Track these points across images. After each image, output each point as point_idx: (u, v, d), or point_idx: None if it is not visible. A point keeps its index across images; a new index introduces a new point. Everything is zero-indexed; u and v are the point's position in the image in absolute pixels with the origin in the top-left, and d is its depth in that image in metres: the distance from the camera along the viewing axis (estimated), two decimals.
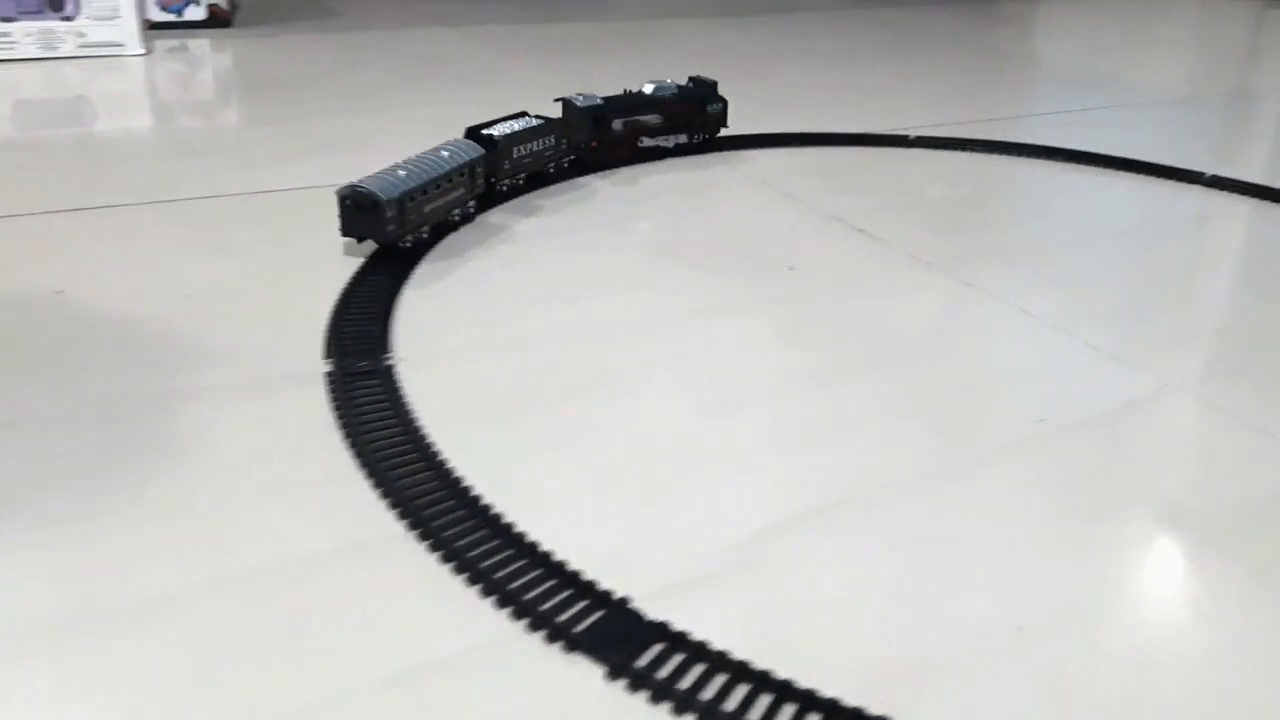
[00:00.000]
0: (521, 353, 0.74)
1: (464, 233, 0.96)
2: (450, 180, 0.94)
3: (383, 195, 0.85)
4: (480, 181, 0.99)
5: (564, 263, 0.90)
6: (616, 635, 0.48)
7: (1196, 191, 1.20)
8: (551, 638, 0.47)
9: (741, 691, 0.45)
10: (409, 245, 0.89)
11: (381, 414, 0.63)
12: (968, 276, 0.91)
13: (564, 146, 1.11)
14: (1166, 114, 1.57)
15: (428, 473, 0.58)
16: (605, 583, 0.51)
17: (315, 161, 1.12)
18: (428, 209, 0.91)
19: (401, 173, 0.88)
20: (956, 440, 0.67)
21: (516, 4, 2.18)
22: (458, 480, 0.57)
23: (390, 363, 0.70)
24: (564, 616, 0.48)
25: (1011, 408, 0.71)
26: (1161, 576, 0.55)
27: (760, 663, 0.47)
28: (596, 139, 1.13)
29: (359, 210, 0.86)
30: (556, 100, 1.16)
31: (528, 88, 1.49)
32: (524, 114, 1.08)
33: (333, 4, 2.04)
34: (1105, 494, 0.62)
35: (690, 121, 1.21)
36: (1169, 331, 0.84)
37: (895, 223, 1.03)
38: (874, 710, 0.44)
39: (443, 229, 0.95)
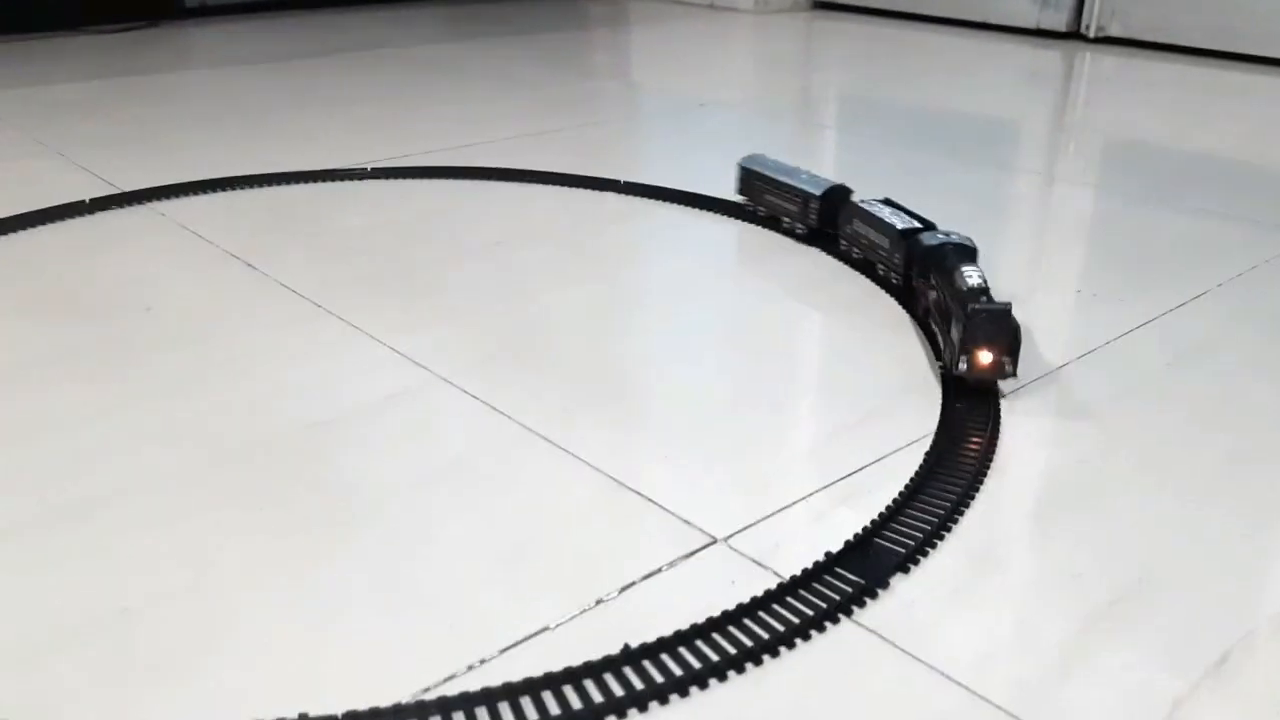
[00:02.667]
0: None
1: None
2: (788, 193, 1.19)
3: (741, 162, 1.26)
4: (814, 220, 1.17)
5: None
6: None
7: (610, 197, 1.35)
8: None
9: None
10: (750, 209, 1.27)
11: None
12: (322, 297, 1.00)
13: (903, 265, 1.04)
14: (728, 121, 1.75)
15: None
16: None
17: None
18: (766, 197, 1.23)
19: (769, 163, 1.24)
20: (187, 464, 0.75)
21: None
22: None
23: None
24: None
25: (277, 409, 0.80)
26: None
27: None
28: (904, 274, 1.04)
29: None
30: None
31: None
32: (952, 238, 0.99)
33: None
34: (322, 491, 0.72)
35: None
36: (463, 332, 0.96)
37: (288, 254, 1.11)
38: None
39: (777, 223, 1.23)
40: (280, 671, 0.55)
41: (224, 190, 1.32)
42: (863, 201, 1.12)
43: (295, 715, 0.51)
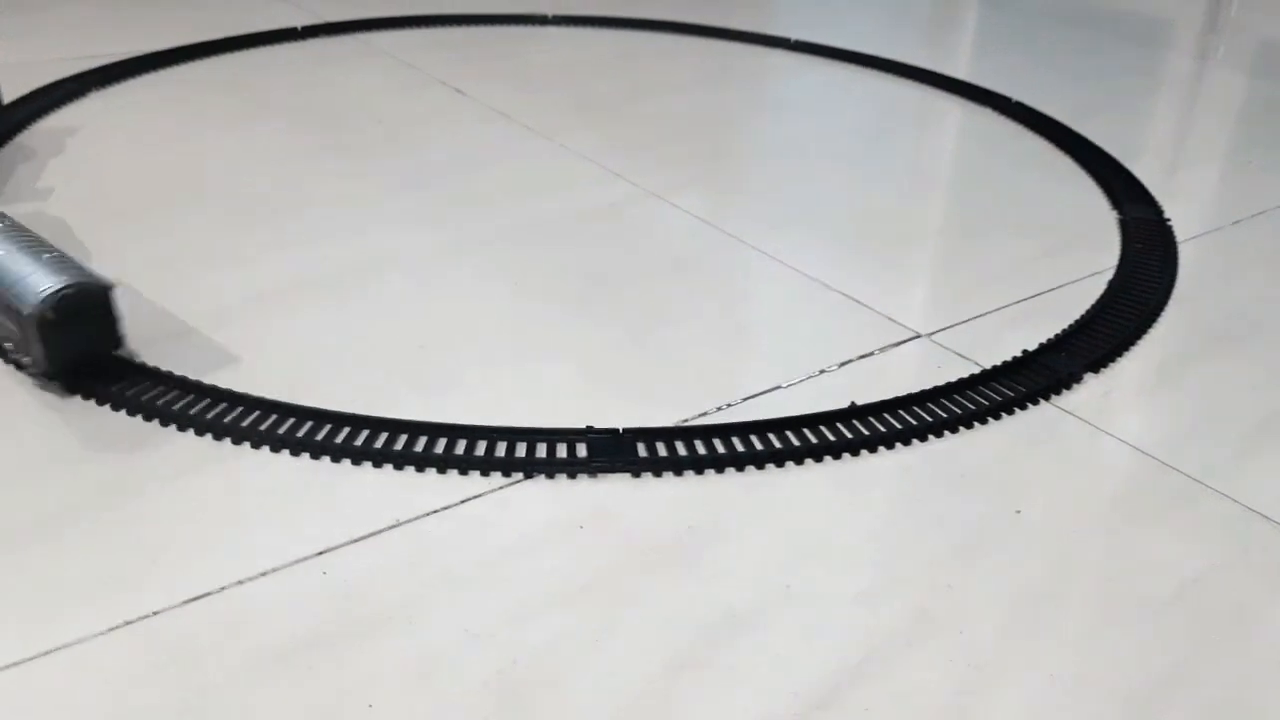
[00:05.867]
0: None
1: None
2: None
3: None
4: None
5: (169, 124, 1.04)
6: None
7: (780, 53, 1.40)
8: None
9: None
10: None
11: None
12: (530, 121, 1.08)
13: None
14: None
15: None
16: None
17: None
18: None
19: None
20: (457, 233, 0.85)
21: None
22: None
23: None
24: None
25: (514, 207, 0.89)
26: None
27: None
28: None
29: None
30: None
31: None
32: None
33: None
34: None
35: None
36: (663, 157, 1.03)
37: (491, 83, 1.19)
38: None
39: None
40: (560, 398, 0.65)
41: (420, 27, 1.40)
42: None
43: (583, 426, 0.61)
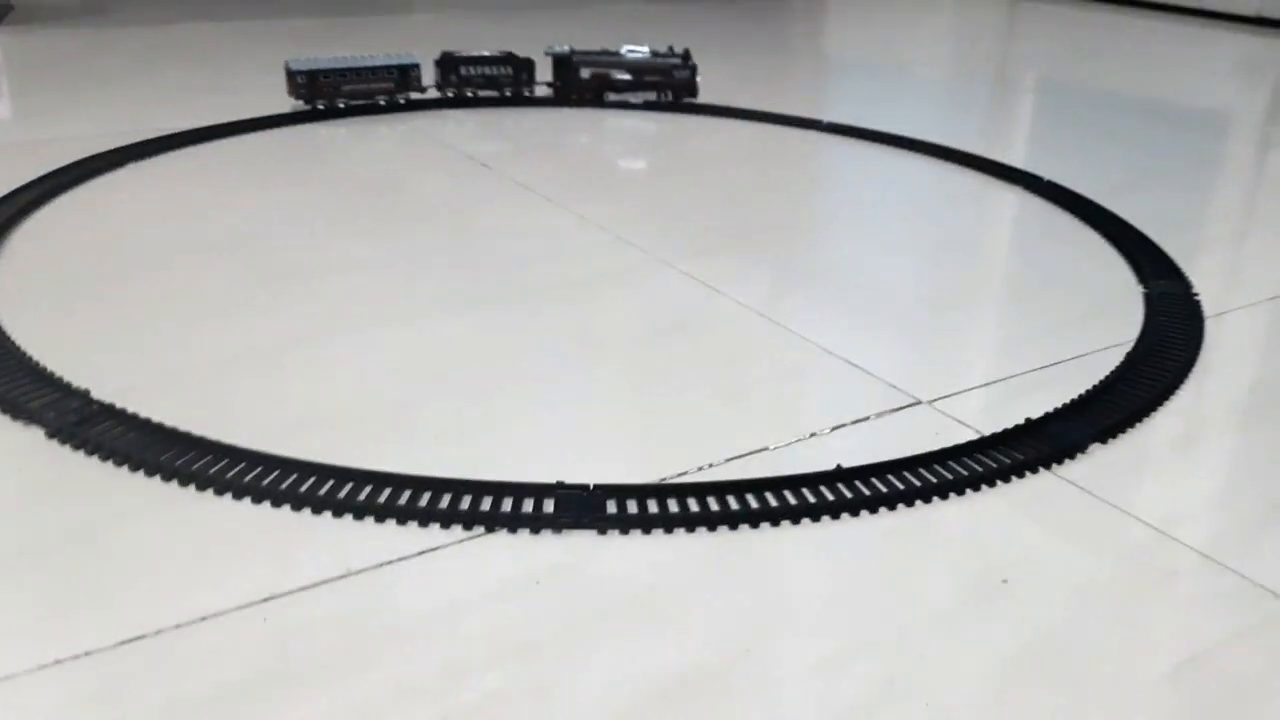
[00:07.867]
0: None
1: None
2: (375, 73, 1.38)
3: (293, 66, 1.35)
4: (417, 82, 1.40)
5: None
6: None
7: (814, 135, 1.40)
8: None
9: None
10: (322, 108, 1.37)
11: None
12: (549, 193, 1.09)
13: (524, 78, 1.46)
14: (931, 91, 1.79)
15: None
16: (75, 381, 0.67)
17: None
18: (345, 88, 1.37)
19: (327, 60, 1.37)
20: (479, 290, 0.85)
21: None
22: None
23: None
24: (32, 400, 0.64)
25: (516, 271, 0.89)
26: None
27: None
28: (559, 79, 1.47)
29: (288, 76, 1.35)
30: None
31: None
32: (509, 53, 1.45)
33: None
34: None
35: (658, 82, 1.47)
36: (673, 228, 1.03)
37: (520, 162, 1.21)
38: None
39: (369, 107, 1.38)
40: (539, 449, 0.63)
41: (458, 107, 1.43)
42: (450, 53, 1.43)
43: (553, 481, 0.59)
